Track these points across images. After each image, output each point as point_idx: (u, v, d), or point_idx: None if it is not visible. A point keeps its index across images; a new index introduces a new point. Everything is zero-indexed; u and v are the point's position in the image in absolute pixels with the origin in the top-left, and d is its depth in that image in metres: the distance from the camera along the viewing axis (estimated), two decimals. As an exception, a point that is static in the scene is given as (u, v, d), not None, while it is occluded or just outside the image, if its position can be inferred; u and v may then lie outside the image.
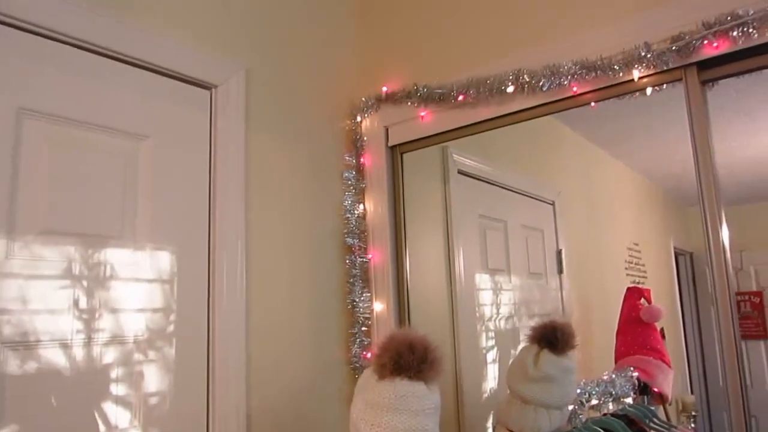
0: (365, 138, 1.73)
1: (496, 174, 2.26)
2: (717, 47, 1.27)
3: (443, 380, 1.96)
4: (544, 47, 1.45)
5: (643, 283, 3.32)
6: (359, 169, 1.71)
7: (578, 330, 2.66)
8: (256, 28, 1.59)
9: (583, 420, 1.91)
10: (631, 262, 3.23)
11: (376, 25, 1.85)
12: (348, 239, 1.65)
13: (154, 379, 1.30)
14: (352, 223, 1.66)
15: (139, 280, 1.32)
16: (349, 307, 1.64)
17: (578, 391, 1.84)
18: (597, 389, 2.04)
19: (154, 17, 1.37)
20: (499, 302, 2.24)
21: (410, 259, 1.79)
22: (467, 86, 1.55)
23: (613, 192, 3.21)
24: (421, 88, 1.63)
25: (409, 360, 1.22)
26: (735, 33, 1.25)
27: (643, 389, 2.47)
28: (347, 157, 1.72)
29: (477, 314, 2.12)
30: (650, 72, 1.34)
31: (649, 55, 1.31)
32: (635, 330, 2.54)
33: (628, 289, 2.62)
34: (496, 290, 2.24)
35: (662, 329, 3.46)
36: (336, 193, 1.70)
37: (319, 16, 1.82)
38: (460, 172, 2.11)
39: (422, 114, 1.66)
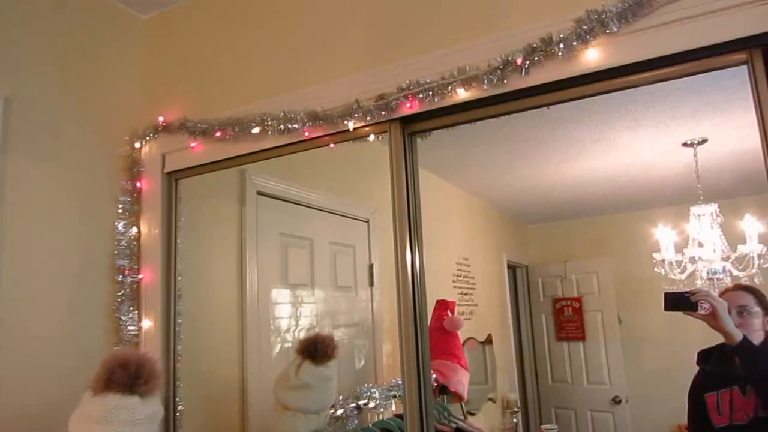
0: (143, 164, 1.85)
1: (301, 195, 2.43)
2: (411, 107, 1.49)
3: (227, 388, 2.11)
4: (282, 96, 1.64)
5: (471, 294, 3.63)
6: (135, 194, 1.83)
7: (388, 337, 2.90)
8: (24, 58, 1.68)
9: (356, 423, 2.11)
10: (460, 275, 3.53)
11: (160, 58, 1.98)
12: (119, 261, 1.77)
13: None
14: (123, 245, 1.77)
15: None
16: (116, 325, 1.76)
17: (343, 395, 2.01)
18: (376, 391, 2.22)
19: None
20: (299, 315, 2.42)
21: (191, 277, 1.92)
22: (226, 124, 1.71)
23: (443, 211, 3.49)
24: (189, 122, 1.77)
25: (120, 376, 1.36)
26: (421, 96, 1.47)
27: (442, 389, 2.74)
28: (123, 182, 1.83)
29: (272, 327, 2.29)
30: (363, 124, 1.55)
31: (359, 111, 1.52)
32: (439, 338, 2.79)
33: (437, 301, 2.87)
34: (296, 303, 2.42)
35: (490, 335, 3.80)
36: (109, 216, 1.81)
37: (102, 47, 1.92)
38: (260, 193, 2.27)
39: (192, 145, 1.80)
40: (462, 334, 3.35)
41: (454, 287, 3.36)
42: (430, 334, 2.86)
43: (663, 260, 3.11)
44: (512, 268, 4.50)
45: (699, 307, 2.17)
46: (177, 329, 1.81)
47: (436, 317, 2.78)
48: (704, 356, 2.40)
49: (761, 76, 1.26)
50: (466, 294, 3.47)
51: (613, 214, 4.09)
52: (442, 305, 2.81)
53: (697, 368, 2.41)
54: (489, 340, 3.67)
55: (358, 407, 2.12)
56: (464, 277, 3.49)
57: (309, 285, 2.48)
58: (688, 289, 2.92)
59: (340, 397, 2.08)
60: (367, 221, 2.79)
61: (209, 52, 1.89)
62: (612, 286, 4.12)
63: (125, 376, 1.36)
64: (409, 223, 1.52)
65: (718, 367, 2.31)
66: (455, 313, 2.78)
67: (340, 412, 1.89)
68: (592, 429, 4.16)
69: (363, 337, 2.70)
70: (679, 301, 2.47)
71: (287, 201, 2.37)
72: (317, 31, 1.69)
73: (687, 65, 1.32)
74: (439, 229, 3.35)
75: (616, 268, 4.09)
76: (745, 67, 1.28)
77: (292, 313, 2.38)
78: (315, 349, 1.90)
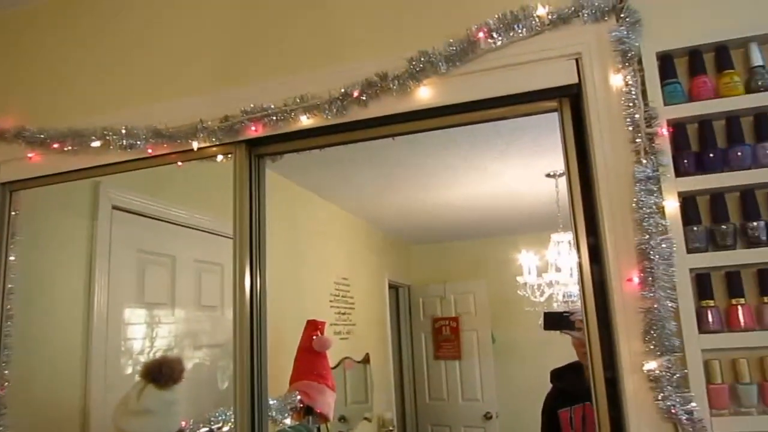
0: (-26, 174, 1.72)
1: (164, 210, 2.35)
2: (256, 130, 1.51)
3: (65, 415, 1.98)
4: (124, 111, 1.59)
5: (350, 314, 3.66)
6: (-37, 206, 1.69)
7: (269, 357, 2.86)
8: None
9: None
10: (338, 295, 3.57)
11: (3, 60, 1.87)
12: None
13: None
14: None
15: None
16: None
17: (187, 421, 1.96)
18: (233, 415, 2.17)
19: None
20: (155, 335, 2.33)
21: (26, 296, 1.80)
22: (65, 136, 1.63)
23: (323, 231, 3.53)
24: (26, 131, 1.67)
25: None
26: (265, 120, 1.49)
27: (308, 410, 2.72)
28: (-54, 194, 1.69)
29: (123, 348, 2.18)
30: (208, 144, 1.54)
31: (204, 131, 1.51)
32: (307, 358, 2.78)
33: (307, 321, 2.87)
34: (153, 324, 2.32)
35: (367, 354, 3.84)
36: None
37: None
38: (116, 207, 2.17)
39: (30, 155, 1.70)
40: (338, 354, 3.37)
41: (332, 306, 3.38)
42: (299, 354, 2.87)
43: (525, 283, 3.32)
44: (394, 287, 4.62)
45: (576, 327, 2.32)
46: (7, 352, 1.69)
47: (306, 337, 2.78)
48: (557, 374, 2.58)
49: (568, 123, 1.41)
50: (344, 313, 3.50)
51: (488, 238, 4.33)
52: (312, 325, 2.81)
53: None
54: (366, 360, 3.72)
55: (210, 431, 2.07)
56: (343, 296, 3.52)
57: (169, 304, 2.39)
58: (567, 310, 3.14)
59: (191, 421, 2.02)
60: (238, 239, 2.74)
61: (52, 59, 1.80)
62: (487, 306, 4.34)
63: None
64: (251, 245, 1.52)
65: (572, 383, 2.49)
66: (325, 333, 2.79)
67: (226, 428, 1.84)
68: (465, 443, 4.33)
69: (228, 358, 2.63)
70: (559, 321, 2.63)
71: (147, 216, 2.28)
72: (165, 49, 1.67)
73: (508, 108, 1.44)
74: (318, 248, 3.36)
75: (490, 289, 4.32)
76: (556, 114, 1.42)
77: (148, 334, 2.28)
78: (159, 373, 1.83)
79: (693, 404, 1.20)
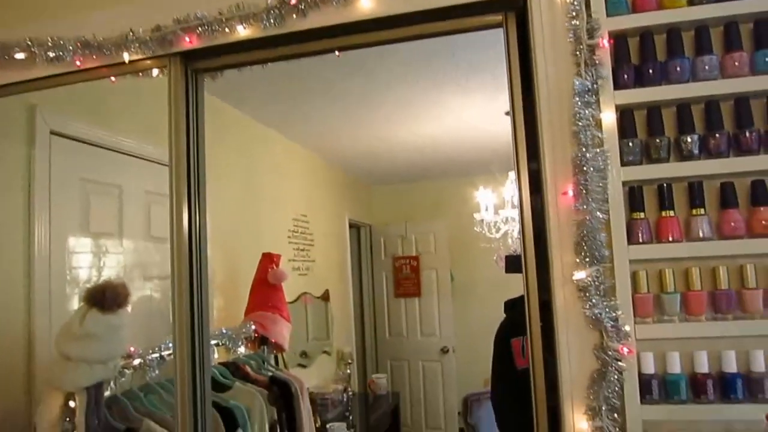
0: None
1: (111, 139, 2.27)
2: (190, 42, 1.43)
3: (8, 342, 1.95)
4: (51, 21, 1.49)
5: (309, 251, 3.66)
6: None
7: (221, 292, 2.86)
8: None
9: (157, 373, 2.06)
10: (297, 231, 3.55)
11: None
12: None
13: None
14: None
15: None
16: None
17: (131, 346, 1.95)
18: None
19: None
20: (102, 265, 2.28)
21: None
22: (-14, 46, 1.53)
23: (282, 168, 3.47)
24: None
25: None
26: (200, 31, 1.41)
27: (263, 340, 2.74)
28: None
29: (69, 278, 2.14)
30: (141, 57, 1.46)
31: (136, 42, 1.43)
32: (262, 290, 2.78)
33: (263, 254, 2.86)
34: (99, 254, 2.27)
35: (327, 290, 3.87)
36: None
37: None
38: (55, 133, 2.07)
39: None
40: (297, 289, 3.39)
41: (290, 242, 3.37)
42: (254, 286, 2.86)
43: (482, 220, 3.35)
44: (356, 227, 4.63)
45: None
46: None
47: (261, 270, 2.77)
48: (511, 304, 2.64)
49: (513, 40, 1.38)
50: (303, 250, 3.49)
51: (448, 178, 4.35)
52: (267, 258, 2.80)
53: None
54: (326, 296, 3.75)
55: (161, 357, 2.07)
56: (302, 233, 3.51)
57: (116, 234, 2.34)
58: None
59: (140, 349, 2.01)
60: (191, 172, 2.68)
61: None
62: (446, 246, 4.40)
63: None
64: (189, 169, 1.47)
65: (525, 314, 2.56)
66: (280, 266, 2.79)
67: (137, 362, 1.83)
68: (423, 377, 4.47)
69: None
70: (520, 264, 2.66)
71: (91, 144, 2.20)
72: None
73: (453, 21, 1.39)
74: (276, 185, 3.32)
75: (449, 229, 4.37)
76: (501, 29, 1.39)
77: (95, 263, 2.24)
78: (102, 297, 1.80)
79: (618, 312, 1.24)
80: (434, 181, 4.50)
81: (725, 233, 1.26)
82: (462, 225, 4.07)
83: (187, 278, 1.48)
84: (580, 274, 1.25)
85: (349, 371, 3.71)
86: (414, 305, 4.53)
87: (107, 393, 1.81)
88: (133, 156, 2.38)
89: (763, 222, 1.24)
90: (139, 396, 1.89)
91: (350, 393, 3.56)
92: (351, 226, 4.46)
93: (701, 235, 1.27)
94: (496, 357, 2.67)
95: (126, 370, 1.93)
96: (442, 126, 3.52)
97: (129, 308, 1.89)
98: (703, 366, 1.27)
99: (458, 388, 4.25)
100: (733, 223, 1.25)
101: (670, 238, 1.28)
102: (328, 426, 2.95)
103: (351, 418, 3.34)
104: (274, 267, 2.80)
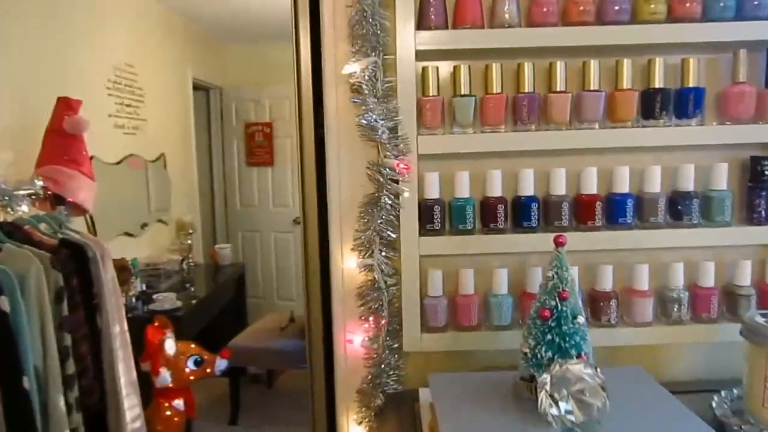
0: None
1: None
2: None
3: None
4: None
5: (137, 108, 3.22)
6: None
7: (12, 142, 2.42)
8: None
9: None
10: (119, 83, 3.07)
11: None
12: None
13: None
14: None
15: None
16: None
17: None
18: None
19: None
20: None
21: None
22: None
23: (99, 4, 2.91)
24: None
25: None
26: None
27: (59, 199, 2.39)
28: None
29: None
30: None
31: None
32: (57, 141, 2.34)
33: (58, 99, 2.41)
34: None
35: (163, 154, 3.51)
36: None
37: None
38: None
39: None
40: (120, 150, 3.00)
41: (110, 95, 2.91)
42: (46, 136, 2.42)
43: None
44: (204, 89, 4.16)
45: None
46: None
47: (56, 117, 2.35)
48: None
49: None
50: (129, 105, 3.06)
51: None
52: (64, 103, 2.35)
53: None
54: (161, 161, 3.40)
55: None
56: (127, 85, 3.05)
57: None
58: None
59: None
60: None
61: None
62: (303, 112, 4.12)
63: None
64: None
65: None
66: (80, 113, 2.37)
67: None
68: (275, 248, 4.37)
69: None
70: None
71: None
72: None
73: None
74: (91, 24, 2.78)
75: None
76: None
77: None
78: None
79: (399, 118, 1.08)
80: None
81: (535, 20, 1.07)
82: (318, 90, 3.78)
83: None
84: (352, 67, 1.05)
85: (190, 242, 3.48)
86: (267, 174, 4.28)
87: None
88: None
89: (582, 8, 1.05)
90: None
91: (191, 263, 3.37)
92: (198, 87, 3.99)
93: (507, 19, 1.06)
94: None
95: None
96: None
97: None
98: (495, 189, 1.10)
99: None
100: (545, 8, 1.06)
101: (469, 24, 1.06)
102: (154, 296, 2.75)
103: (192, 288, 3.18)
104: (72, 114, 2.39)
